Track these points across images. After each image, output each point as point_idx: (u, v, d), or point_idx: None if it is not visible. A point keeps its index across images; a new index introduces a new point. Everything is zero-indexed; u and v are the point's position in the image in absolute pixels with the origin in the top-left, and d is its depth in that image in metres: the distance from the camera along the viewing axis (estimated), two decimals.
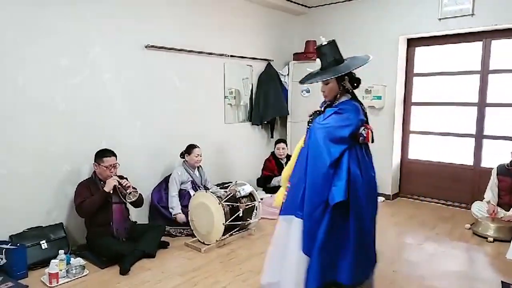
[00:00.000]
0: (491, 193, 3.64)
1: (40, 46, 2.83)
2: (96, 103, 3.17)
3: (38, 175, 2.87)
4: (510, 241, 3.16)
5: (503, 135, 4.04)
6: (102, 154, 2.91)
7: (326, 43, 2.01)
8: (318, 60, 2.06)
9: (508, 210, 3.50)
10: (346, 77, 2.01)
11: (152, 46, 3.50)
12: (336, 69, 1.98)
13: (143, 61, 3.48)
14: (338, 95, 2.04)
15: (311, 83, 2.09)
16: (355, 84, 2.08)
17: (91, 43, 3.10)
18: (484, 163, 4.20)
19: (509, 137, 3.94)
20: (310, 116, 2.07)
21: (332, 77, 1.97)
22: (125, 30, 3.32)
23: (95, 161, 2.92)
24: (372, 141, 2.06)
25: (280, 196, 2.19)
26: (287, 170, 2.16)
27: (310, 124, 2.01)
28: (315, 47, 2.08)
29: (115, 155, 2.95)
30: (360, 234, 1.96)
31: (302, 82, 2.14)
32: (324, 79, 2.00)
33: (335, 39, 2.04)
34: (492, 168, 3.74)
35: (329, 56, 2.01)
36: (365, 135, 2.01)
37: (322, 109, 2.11)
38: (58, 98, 2.95)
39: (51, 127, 2.92)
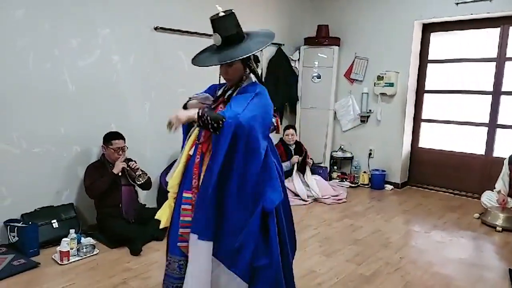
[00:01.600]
0: (502, 183, 3.60)
1: (51, 27, 2.82)
2: (106, 85, 3.17)
3: (49, 156, 2.91)
4: None
5: None
6: (111, 136, 2.93)
7: (222, 14, 1.62)
8: (216, 37, 1.65)
9: None
10: (252, 55, 1.67)
11: (161, 28, 3.47)
12: (243, 46, 1.62)
13: (152, 43, 3.45)
14: (244, 76, 1.72)
15: (213, 65, 1.65)
16: (257, 63, 1.76)
17: (101, 24, 3.08)
18: (496, 153, 4.12)
19: None
20: (203, 111, 1.58)
21: (240, 57, 1.59)
22: (134, 12, 3.28)
23: (103, 144, 2.94)
24: (278, 131, 1.81)
25: (167, 212, 1.77)
26: (176, 179, 1.72)
27: (207, 119, 1.52)
28: (211, 18, 1.66)
29: (123, 138, 2.97)
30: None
31: (198, 63, 1.73)
32: (234, 59, 1.59)
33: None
34: (504, 158, 3.68)
35: (230, 30, 1.63)
36: (275, 124, 1.77)
37: (222, 95, 1.75)
38: (68, 79, 2.95)
39: (61, 108, 2.94)
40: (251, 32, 1.72)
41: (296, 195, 3.98)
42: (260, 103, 1.62)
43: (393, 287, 2.33)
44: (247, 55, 1.61)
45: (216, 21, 1.64)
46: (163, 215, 1.78)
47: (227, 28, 1.63)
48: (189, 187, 1.68)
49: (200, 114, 1.54)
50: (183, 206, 1.69)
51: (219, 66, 1.70)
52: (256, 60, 1.76)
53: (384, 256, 2.75)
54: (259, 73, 1.80)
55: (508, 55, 3.98)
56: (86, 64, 3.04)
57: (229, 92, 1.74)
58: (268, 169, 1.63)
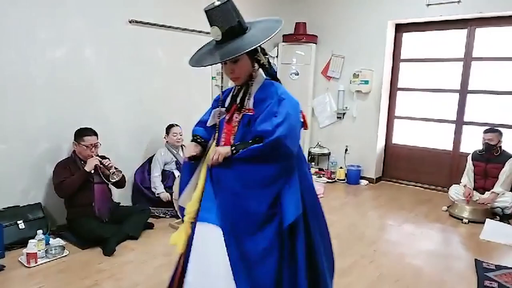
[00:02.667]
0: (467, 177, 3.78)
1: (17, 16, 2.66)
2: (77, 79, 3.04)
3: (15, 153, 2.76)
4: (483, 223, 3.32)
5: (483, 122, 4.16)
6: (82, 133, 2.81)
7: (220, 2, 1.37)
8: (214, 30, 1.41)
9: (483, 194, 3.65)
10: (258, 47, 1.45)
11: (136, 22, 3.36)
12: (248, 37, 1.40)
13: (127, 36, 3.34)
14: (253, 73, 1.51)
15: (215, 63, 1.48)
16: (266, 56, 1.55)
17: (72, 15, 2.95)
18: (463, 149, 4.32)
19: (487, 124, 4.05)
20: (236, 146, 1.44)
21: (247, 50, 1.36)
22: (108, 3, 3.16)
23: (74, 140, 2.83)
24: (306, 128, 1.63)
25: (183, 237, 1.55)
26: (195, 205, 1.52)
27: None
28: (205, 9, 1.42)
29: (96, 134, 2.86)
30: None
31: (196, 63, 1.51)
32: (239, 53, 1.36)
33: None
34: (469, 153, 3.87)
35: (230, 21, 1.39)
36: (302, 121, 1.57)
37: (234, 101, 1.55)
38: (35, 72, 2.81)
39: (28, 103, 2.79)
40: (253, 21, 1.50)
41: None
42: (290, 106, 1.45)
43: (368, 278, 2.39)
44: (254, 47, 1.37)
45: (212, 12, 1.39)
46: (179, 241, 1.56)
47: (226, 19, 1.38)
48: None
49: (233, 150, 1.41)
50: None
51: (221, 64, 1.49)
52: (264, 52, 1.53)
53: (359, 249, 2.82)
54: (272, 66, 1.57)
55: (474, 55, 4.17)
56: (55, 56, 2.90)
57: (241, 96, 1.54)
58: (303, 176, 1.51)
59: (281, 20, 1.46)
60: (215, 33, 1.41)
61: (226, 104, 1.59)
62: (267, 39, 1.38)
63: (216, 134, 1.58)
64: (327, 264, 1.60)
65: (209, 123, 1.62)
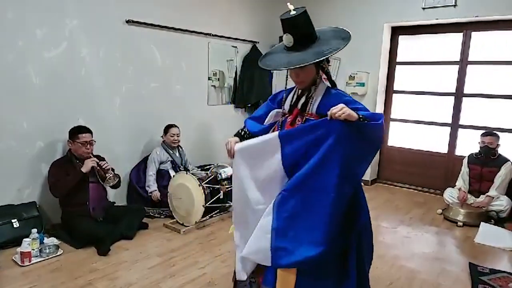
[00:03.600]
0: (462, 180, 3.80)
1: (14, 16, 2.66)
2: (73, 78, 3.04)
3: (10, 152, 2.75)
4: (478, 226, 3.33)
5: (478, 125, 4.19)
6: (77, 130, 2.81)
7: (295, 13, 1.49)
8: (286, 37, 1.52)
9: (478, 197, 3.67)
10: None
11: (133, 22, 3.37)
12: (318, 48, 1.49)
13: (124, 36, 3.34)
14: (318, 80, 1.60)
15: (286, 68, 1.56)
16: (330, 65, 1.66)
17: (69, 14, 2.95)
18: (459, 152, 4.35)
19: (482, 127, 4.08)
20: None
21: (321, 58, 1.47)
22: (105, 3, 3.17)
23: (69, 139, 2.82)
24: None
25: None
26: None
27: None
28: (281, 17, 1.53)
29: (90, 131, 2.86)
30: None
31: (269, 66, 1.64)
32: (308, 63, 1.47)
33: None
34: (465, 157, 3.88)
35: (303, 31, 1.51)
36: None
37: (295, 106, 1.62)
38: (32, 71, 2.80)
39: (25, 101, 2.79)
40: (321, 30, 1.59)
41: None
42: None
43: None
44: (324, 58, 1.47)
45: (286, 21, 1.51)
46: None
47: (299, 28, 1.50)
48: None
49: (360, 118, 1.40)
50: None
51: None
52: (327, 61, 1.62)
53: None
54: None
55: (469, 59, 4.20)
56: (51, 56, 2.90)
57: (303, 101, 1.60)
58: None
59: (349, 34, 1.54)
60: (288, 40, 1.53)
61: (287, 106, 1.66)
62: (336, 51, 1.47)
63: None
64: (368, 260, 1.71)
65: (267, 122, 1.71)
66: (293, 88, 1.69)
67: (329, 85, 1.64)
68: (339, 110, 1.35)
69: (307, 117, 1.58)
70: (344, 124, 1.37)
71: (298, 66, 1.48)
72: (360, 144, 1.41)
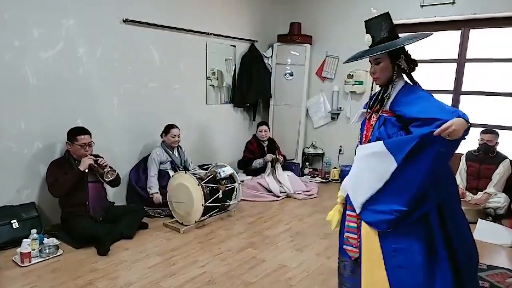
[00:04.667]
0: (460, 178, 3.81)
1: (10, 16, 2.65)
2: (70, 79, 3.04)
3: (9, 153, 2.75)
4: (476, 223, 3.33)
5: (476, 123, 4.19)
6: (76, 132, 2.81)
7: (375, 15, 1.64)
8: (367, 36, 1.65)
9: (476, 194, 3.68)
10: (402, 55, 1.61)
11: (131, 21, 3.36)
12: (389, 42, 1.59)
13: (121, 36, 3.34)
14: (394, 76, 1.62)
15: (356, 59, 1.66)
16: (412, 66, 1.67)
17: (65, 14, 2.94)
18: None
19: (480, 125, 4.09)
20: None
21: (383, 51, 1.54)
22: (102, 2, 3.16)
23: (68, 140, 2.81)
24: None
25: (337, 216, 1.79)
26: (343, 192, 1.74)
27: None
28: (365, 21, 1.69)
29: (89, 133, 2.86)
30: None
31: (348, 61, 1.72)
32: (372, 54, 1.58)
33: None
34: (462, 154, 3.89)
35: (381, 31, 1.61)
36: None
37: (374, 105, 1.69)
38: (29, 71, 2.80)
39: (22, 102, 2.78)
40: (406, 36, 1.66)
41: (269, 191, 4.02)
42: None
43: None
44: (390, 50, 1.54)
45: (368, 22, 1.65)
46: (334, 219, 1.79)
47: (377, 29, 1.63)
48: None
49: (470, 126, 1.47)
50: (348, 213, 1.69)
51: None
52: (413, 62, 1.67)
53: None
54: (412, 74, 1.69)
55: (467, 57, 4.20)
56: (48, 56, 2.89)
57: (381, 98, 1.67)
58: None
59: (428, 34, 1.62)
60: (367, 39, 1.64)
61: (371, 104, 1.74)
62: (400, 46, 1.55)
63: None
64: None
65: (352, 122, 1.86)
66: (376, 93, 1.77)
67: (409, 82, 1.69)
68: (446, 130, 1.37)
69: (382, 114, 1.63)
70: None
71: (367, 57, 1.60)
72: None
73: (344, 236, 1.70)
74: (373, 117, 1.66)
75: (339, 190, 1.79)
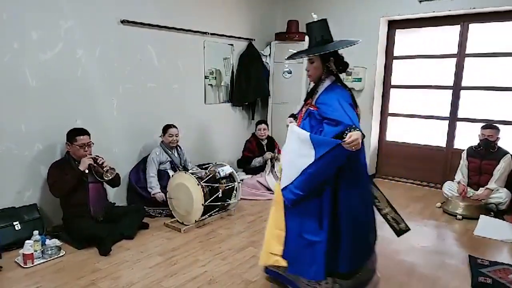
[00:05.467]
0: (461, 174, 3.81)
1: (9, 17, 2.66)
2: (70, 80, 3.05)
3: (9, 155, 2.76)
4: (477, 219, 3.34)
5: (476, 118, 4.19)
6: (75, 133, 2.82)
7: (316, 20, 1.90)
8: (307, 38, 1.93)
9: (477, 190, 3.68)
10: (331, 58, 1.87)
11: (128, 22, 3.36)
12: (322, 47, 1.87)
13: (119, 36, 3.34)
14: (322, 76, 1.90)
15: (295, 58, 2.00)
16: (341, 68, 1.95)
17: (63, 16, 2.95)
18: (457, 145, 4.35)
19: (481, 120, 4.08)
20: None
21: (316, 54, 1.84)
22: (99, 4, 3.16)
23: (67, 141, 2.83)
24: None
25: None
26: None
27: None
28: (306, 23, 1.93)
29: (88, 133, 2.87)
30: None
31: (288, 58, 2.06)
32: (308, 55, 1.88)
33: (310, 18, 1.91)
34: (463, 150, 3.89)
35: (317, 35, 1.89)
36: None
37: (305, 98, 1.99)
38: (28, 73, 2.81)
39: (22, 104, 2.79)
40: (341, 40, 1.93)
41: (269, 189, 4.02)
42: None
43: None
44: (320, 53, 1.84)
45: (308, 26, 1.92)
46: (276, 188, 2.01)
47: (314, 33, 1.90)
48: None
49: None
50: None
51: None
52: (343, 65, 1.93)
53: None
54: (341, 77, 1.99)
55: (467, 52, 4.19)
56: (47, 57, 2.90)
57: (309, 92, 1.97)
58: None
59: (358, 41, 1.91)
60: (306, 40, 1.96)
61: (305, 98, 2.02)
62: (329, 51, 1.84)
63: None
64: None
65: (296, 113, 2.05)
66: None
67: (335, 81, 1.93)
68: (353, 144, 1.63)
69: (308, 107, 1.91)
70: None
71: (302, 57, 1.92)
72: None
73: None
74: (303, 109, 1.94)
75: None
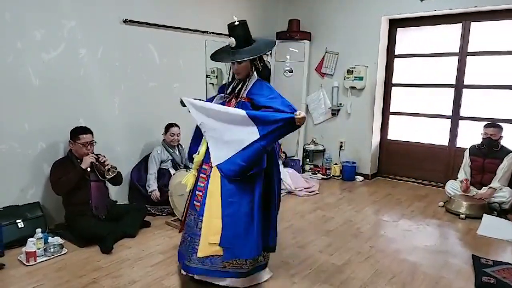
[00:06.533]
0: (463, 172, 3.79)
1: (12, 18, 2.68)
2: (72, 79, 3.06)
3: (13, 153, 2.78)
4: (481, 218, 3.32)
5: (479, 116, 4.17)
6: (78, 131, 2.83)
7: (238, 23, 2.08)
8: (232, 40, 2.10)
9: (480, 189, 3.66)
10: (257, 57, 2.16)
11: (130, 21, 3.37)
12: (251, 49, 2.11)
13: (121, 36, 3.35)
14: (251, 73, 2.17)
15: (225, 62, 2.25)
16: (262, 64, 2.22)
17: (66, 16, 2.96)
18: (460, 144, 4.33)
19: (483, 118, 4.06)
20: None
21: (251, 57, 2.10)
22: (102, 4, 3.18)
23: (70, 139, 2.84)
24: None
25: (191, 179, 2.26)
26: (201, 156, 2.22)
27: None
28: (228, 24, 2.12)
29: (91, 132, 2.88)
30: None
31: (215, 59, 2.22)
32: (241, 59, 2.09)
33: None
34: (466, 149, 3.87)
35: (242, 36, 2.10)
36: None
37: (233, 91, 2.19)
38: (31, 72, 2.82)
39: (25, 103, 2.81)
40: (257, 38, 2.21)
41: None
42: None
43: (363, 275, 2.41)
44: (254, 57, 2.11)
45: (232, 27, 2.10)
46: (189, 181, 2.27)
47: (239, 34, 2.09)
48: (208, 161, 2.16)
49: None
50: (201, 175, 2.20)
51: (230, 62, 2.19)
52: (261, 60, 2.20)
53: (355, 245, 2.84)
54: (266, 69, 2.26)
55: (469, 50, 4.17)
56: (50, 57, 2.92)
57: (239, 87, 2.18)
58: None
59: (276, 41, 2.12)
60: (232, 42, 2.10)
61: (229, 92, 2.23)
62: (262, 53, 2.16)
63: None
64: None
65: (214, 101, 2.25)
66: (234, 80, 2.24)
67: (260, 78, 2.21)
68: (301, 119, 1.93)
69: (240, 99, 2.15)
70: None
71: (238, 61, 2.10)
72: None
73: (196, 194, 2.19)
74: (233, 101, 2.17)
75: (196, 157, 2.22)
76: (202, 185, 2.17)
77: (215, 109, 2.10)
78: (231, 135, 2.04)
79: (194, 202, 2.19)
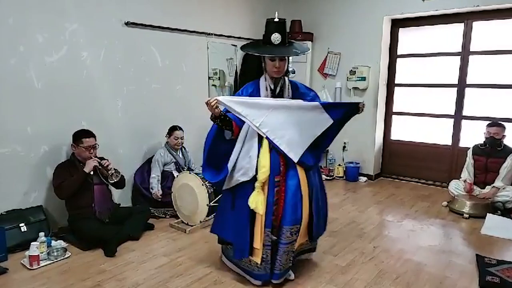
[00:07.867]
0: (467, 172, 3.78)
1: (15, 21, 2.68)
2: (75, 82, 3.06)
3: (16, 156, 2.78)
4: (484, 217, 3.31)
5: (482, 116, 4.16)
6: (81, 135, 2.83)
7: (278, 20, 2.07)
8: (277, 36, 2.09)
9: (483, 188, 3.65)
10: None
11: (133, 23, 3.38)
12: (297, 47, 2.14)
13: (123, 38, 3.36)
14: (286, 70, 2.20)
15: (275, 55, 2.10)
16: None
17: (68, 19, 2.97)
18: (463, 143, 4.32)
19: (486, 118, 4.05)
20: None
21: (302, 54, 2.19)
22: (104, 6, 3.18)
23: (73, 143, 2.84)
24: None
25: (262, 202, 2.09)
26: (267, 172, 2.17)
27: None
28: (273, 20, 2.13)
29: (94, 135, 2.88)
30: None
31: (258, 51, 2.15)
32: (297, 54, 2.18)
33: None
34: (469, 148, 3.86)
35: (285, 34, 2.11)
36: None
37: (273, 91, 2.19)
38: (34, 75, 2.82)
39: (28, 106, 2.81)
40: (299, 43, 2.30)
41: None
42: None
43: (367, 276, 2.40)
44: (304, 53, 2.20)
45: (278, 24, 2.09)
46: (260, 205, 2.05)
47: (283, 30, 2.09)
48: (278, 172, 2.12)
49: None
50: (275, 189, 2.12)
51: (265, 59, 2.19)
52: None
53: (359, 246, 2.83)
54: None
55: (471, 49, 4.16)
56: (53, 60, 2.92)
57: (278, 89, 2.20)
58: None
59: (309, 48, 2.39)
60: (276, 38, 2.07)
61: (262, 93, 2.21)
62: (306, 53, 2.32)
63: None
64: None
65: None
66: (254, 82, 2.26)
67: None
68: (363, 105, 2.21)
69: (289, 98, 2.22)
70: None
71: (289, 56, 2.19)
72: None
73: (272, 211, 2.11)
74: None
75: (263, 173, 2.05)
76: (276, 198, 2.12)
77: (279, 104, 2.11)
78: (304, 125, 2.11)
79: (272, 219, 2.12)
